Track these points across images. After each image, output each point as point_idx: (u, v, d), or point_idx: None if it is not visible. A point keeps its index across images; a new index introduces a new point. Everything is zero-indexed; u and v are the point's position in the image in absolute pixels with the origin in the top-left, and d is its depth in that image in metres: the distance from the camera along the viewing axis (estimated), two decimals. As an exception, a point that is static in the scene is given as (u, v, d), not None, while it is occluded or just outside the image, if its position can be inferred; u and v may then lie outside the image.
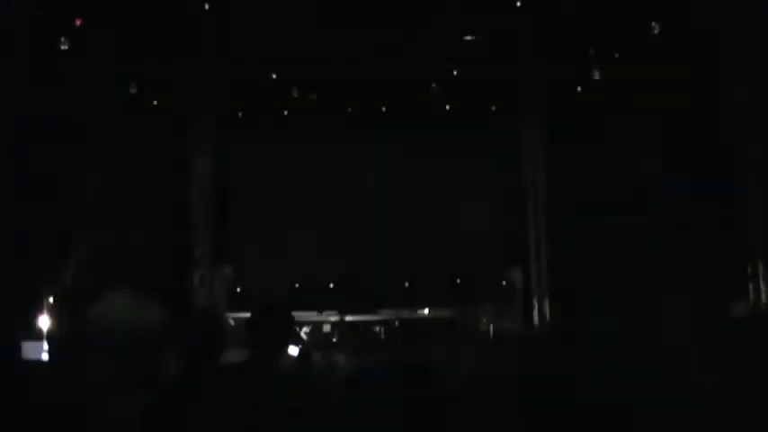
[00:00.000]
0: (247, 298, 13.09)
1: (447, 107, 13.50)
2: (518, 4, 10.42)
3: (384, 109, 13.66)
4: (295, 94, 12.68)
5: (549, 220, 14.56)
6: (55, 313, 12.00)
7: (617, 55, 11.72)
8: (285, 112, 13.67)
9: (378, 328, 12.91)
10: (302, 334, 12.67)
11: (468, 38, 11.41)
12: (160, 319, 2.61)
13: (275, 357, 3.00)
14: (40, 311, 11.13)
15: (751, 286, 10.03)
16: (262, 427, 2.79)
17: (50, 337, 2.85)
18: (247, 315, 3.16)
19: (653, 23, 10.31)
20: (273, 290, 12.55)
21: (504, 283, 14.23)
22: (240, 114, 14.10)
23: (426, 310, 13.31)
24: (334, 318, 13.25)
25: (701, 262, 11.84)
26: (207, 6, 10.14)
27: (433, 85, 12.71)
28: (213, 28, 10.84)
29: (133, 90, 11.97)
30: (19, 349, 2.61)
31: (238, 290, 13.76)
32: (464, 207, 14.31)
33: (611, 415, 2.93)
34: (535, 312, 13.13)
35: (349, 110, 13.71)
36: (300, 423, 2.86)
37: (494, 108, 14.08)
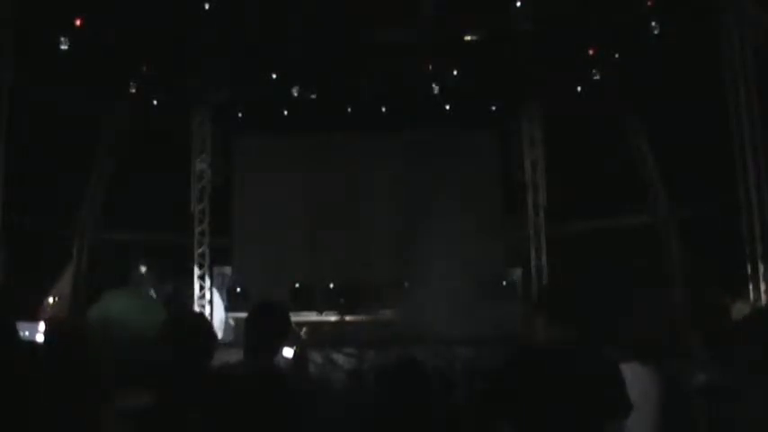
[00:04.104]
0: (247, 298, 13.10)
1: (447, 107, 13.49)
2: (518, 4, 10.41)
3: (384, 109, 13.65)
4: (295, 94, 12.67)
5: (549, 220, 14.58)
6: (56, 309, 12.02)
7: (617, 55, 11.72)
8: (285, 112, 13.67)
9: (377, 328, 12.90)
10: (302, 334, 12.66)
11: (469, 38, 11.39)
12: (156, 320, 2.61)
13: (272, 357, 2.99)
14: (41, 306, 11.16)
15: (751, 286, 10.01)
16: (257, 425, 2.79)
17: (49, 326, 2.84)
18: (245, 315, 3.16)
19: (653, 24, 10.30)
20: (273, 290, 12.54)
21: (504, 283, 14.22)
22: (240, 114, 14.10)
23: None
24: (334, 318, 13.24)
25: (701, 262, 11.85)
26: (207, 6, 10.14)
27: (434, 85, 12.70)
28: (213, 28, 10.82)
29: (133, 90, 11.98)
30: (16, 328, 2.62)
31: (238, 290, 13.76)
32: (464, 207, 14.29)
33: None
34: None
35: (349, 110, 13.70)
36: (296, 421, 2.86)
37: (494, 108, 14.08)
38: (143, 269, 12.18)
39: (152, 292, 11.77)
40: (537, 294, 13.92)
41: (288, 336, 3.08)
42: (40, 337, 2.82)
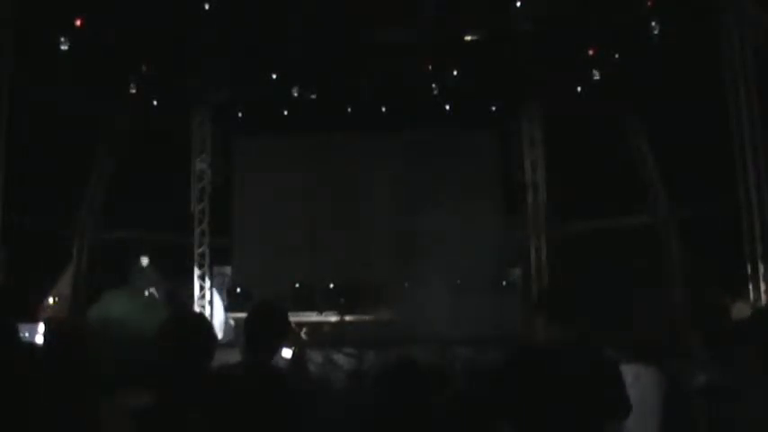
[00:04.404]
0: (247, 298, 13.10)
1: (447, 107, 13.49)
2: (518, 4, 10.41)
3: (384, 109, 13.65)
4: (295, 94, 12.67)
5: (549, 220, 14.57)
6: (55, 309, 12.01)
7: (617, 55, 11.71)
8: (285, 112, 13.67)
9: (377, 328, 12.90)
10: (302, 334, 12.66)
11: (469, 38, 11.39)
12: (156, 320, 2.61)
13: (271, 357, 2.99)
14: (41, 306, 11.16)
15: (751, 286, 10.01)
16: (257, 425, 2.79)
17: (49, 326, 2.84)
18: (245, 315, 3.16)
19: (653, 24, 10.29)
20: (273, 290, 12.55)
21: (504, 283, 14.22)
22: (240, 114, 14.10)
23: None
24: (334, 318, 13.24)
25: (701, 262, 11.85)
26: (207, 6, 10.13)
27: (434, 85, 12.70)
28: (213, 28, 10.83)
29: (133, 90, 11.97)
30: (17, 328, 2.62)
31: (238, 290, 13.76)
32: (464, 207, 14.29)
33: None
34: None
35: (349, 110, 13.70)
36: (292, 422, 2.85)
37: (494, 108, 14.08)
38: (144, 262, 12.07)
39: (153, 290, 11.76)
40: (537, 294, 13.92)
41: (287, 336, 3.07)
42: (39, 339, 2.82)
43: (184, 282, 13.81)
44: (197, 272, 13.97)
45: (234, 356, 3.12)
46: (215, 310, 14.03)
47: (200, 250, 14.05)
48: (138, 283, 11.83)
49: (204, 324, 2.96)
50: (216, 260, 14.38)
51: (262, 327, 3.02)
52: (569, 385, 2.96)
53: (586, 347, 3.12)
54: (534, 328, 3.30)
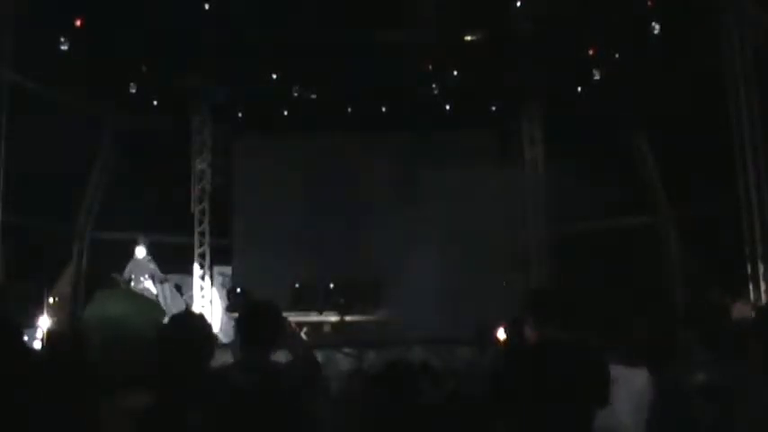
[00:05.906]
0: (247, 298, 13.08)
1: (447, 107, 13.49)
2: (518, 4, 10.43)
3: (384, 109, 13.64)
4: (295, 94, 12.67)
5: (549, 220, 14.57)
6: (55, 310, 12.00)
7: (617, 55, 11.72)
8: (285, 112, 13.66)
9: (377, 328, 12.89)
10: (302, 334, 12.66)
11: (469, 38, 11.41)
12: (153, 320, 2.62)
13: (265, 357, 2.98)
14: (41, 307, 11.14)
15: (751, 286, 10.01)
16: (256, 426, 2.79)
17: (49, 330, 2.86)
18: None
19: (653, 24, 10.30)
20: (273, 290, 12.53)
21: (504, 283, 14.19)
22: (240, 114, 14.10)
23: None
24: (334, 318, 13.23)
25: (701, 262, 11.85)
26: (207, 6, 10.15)
27: (434, 85, 12.71)
28: (213, 28, 10.84)
29: (133, 90, 11.98)
30: (21, 330, 2.63)
31: (238, 290, 13.75)
32: (464, 208, 14.28)
33: None
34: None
35: (349, 110, 13.70)
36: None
37: (494, 108, 14.07)
38: (141, 253, 11.87)
39: (151, 285, 11.68)
40: (535, 294, 13.88)
41: (279, 334, 3.06)
42: (37, 344, 2.84)
43: (184, 281, 13.83)
44: (197, 272, 13.97)
45: (234, 357, 3.11)
46: (215, 310, 14.03)
47: (200, 250, 14.05)
48: (135, 273, 11.77)
49: (204, 324, 2.96)
50: (216, 260, 14.38)
51: (254, 326, 3.01)
52: (567, 385, 2.96)
53: (584, 348, 3.12)
54: (528, 329, 3.30)
